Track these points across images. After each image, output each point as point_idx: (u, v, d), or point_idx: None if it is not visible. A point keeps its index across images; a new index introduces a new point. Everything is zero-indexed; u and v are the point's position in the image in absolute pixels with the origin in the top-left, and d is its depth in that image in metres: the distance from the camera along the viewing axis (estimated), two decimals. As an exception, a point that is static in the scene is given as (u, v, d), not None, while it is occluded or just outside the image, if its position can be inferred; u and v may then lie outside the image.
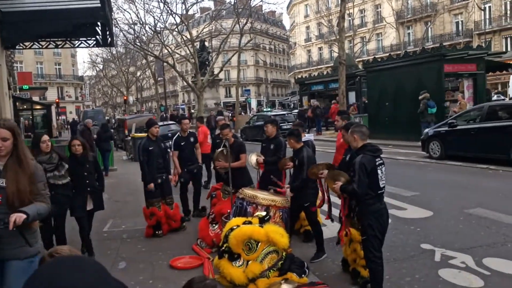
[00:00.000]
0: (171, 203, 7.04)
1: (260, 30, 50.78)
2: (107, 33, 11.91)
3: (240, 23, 32.69)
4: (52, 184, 5.21)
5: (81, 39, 12.51)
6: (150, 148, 6.80)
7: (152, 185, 6.73)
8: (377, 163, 4.22)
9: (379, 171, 4.20)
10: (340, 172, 4.63)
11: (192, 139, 7.93)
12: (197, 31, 40.95)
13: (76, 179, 5.70)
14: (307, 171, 5.40)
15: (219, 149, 6.83)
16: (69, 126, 27.80)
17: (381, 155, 4.36)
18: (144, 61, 52.20)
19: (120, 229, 7.35)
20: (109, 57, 60.76)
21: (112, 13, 21.56)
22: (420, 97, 15.95)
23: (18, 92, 26.12)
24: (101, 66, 69.03)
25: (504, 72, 23.58)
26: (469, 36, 39.60)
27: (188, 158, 7.79)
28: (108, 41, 12.16)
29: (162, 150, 7.05)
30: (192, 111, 47.45)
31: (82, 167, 5.76)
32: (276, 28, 78.38)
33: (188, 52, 35.75)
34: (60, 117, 38.87)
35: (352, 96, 25.19)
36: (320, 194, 5.78)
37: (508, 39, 37.98)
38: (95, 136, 14.36)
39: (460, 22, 41.89)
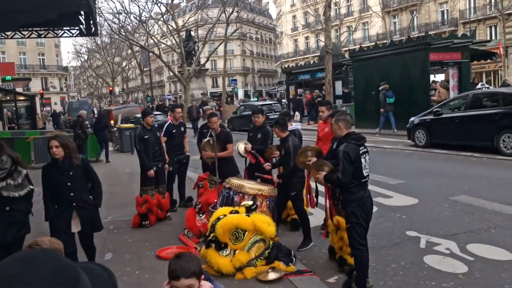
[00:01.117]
0: (164, 192, 7.12)
1: (246, 19, 50.50)
2: (91, 22, 11.70)
3: (226, 12, 32.45)
4: (6, 198, 4.04)
5: (64, 28, 12.30)
6: (145, 137, 6.93)
7: (152, 171, 6.81)
8: (361, 152, 4.23)
9: (363, 160, 4.21)
10: (324, 162, 4.63)
11: (182, 129, 7.93)
12: (183, 20, 40.58)
13: (58, 191, 4.56)
14: (294, 160, 5.41)
15: (206, 139, 6.80)
16: (51, 118, 27.10)
17: (367, 144, 4.37)
18: (129, 51, 51.68)
19: (106, 220, 7.24)
20: (94, 47, 60.00)
21: (96, 2, 21.20)
22: (380, 88, 16.80)
23: (0, 83, 25.68)
24: (86, 57, 68.14)
25: (489, 60, 23.84)
26: (454, 25, 39.85)
27: (178, 146, 7.79)
28: (92, 31, 11.97)
29: (158, 138, 7.18)
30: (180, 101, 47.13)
31: (64, 176, 4.49)
32: (263, 18, 77.98)
33: (174, 42, 35.45)
34: (44, 108, 38.27)
35: (338, 85, 25.24)
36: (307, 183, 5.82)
37: (493, 28, 38.32)
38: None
39: (445, 11, 42.11)
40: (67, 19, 11.33)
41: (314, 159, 4.98)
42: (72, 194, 4.52)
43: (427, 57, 16.43)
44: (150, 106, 39.14)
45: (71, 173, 4.51)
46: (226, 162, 6.59)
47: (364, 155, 4.23)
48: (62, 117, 35.34)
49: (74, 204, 4.54)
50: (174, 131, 7.66)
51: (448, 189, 7.98)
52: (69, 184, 4.51)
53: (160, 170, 7.06)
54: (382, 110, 16.71)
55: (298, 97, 26.96)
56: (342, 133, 4.38)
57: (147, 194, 6.86)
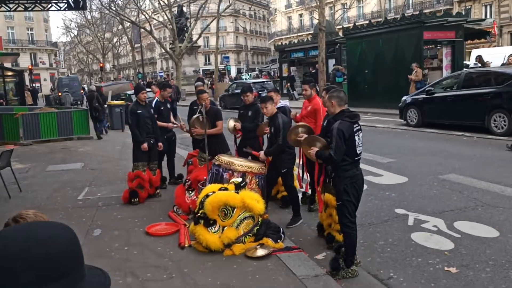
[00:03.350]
0: (155, 169, 7.09)
1: (239, -5, 49.73)
2: (79, -5, 11.44)
3: (219, -13, 31.88)
4: None
5: (52, 2, 12.03)
6: (138, 111, 6.87)
7: (145, 145, 6.77)
8: (355, 129, 4.19)
9: (356, 138, 4.17)
10: (316, 137, 4.60)
11: (169, 105, 7.85)
12: (175, -5, 39.79)
13: None
14: (283, 137, 5.37)
15: (195, 116, 6.73)
16: (29, 93, 25.89)
17: (360, 123, 4.33)
18: (120, 27, 50.87)
19: (95, 197, 7.25)
20: (83, 22, 58.95)
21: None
22: (332, 68, 17.84)
23: (-13, 58, 25.13)
24: (75, 32, 67.00)
25: (483, 40, 23.73)
26: (449, 3, 39.56)
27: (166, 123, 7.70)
28: (80, 5, 11.73)
29: (151, 114, 7.10)
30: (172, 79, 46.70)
31: None
32: (256, -6, 76.83)
33: (165, 18, 34.89)
34: (33, 85, 37.66)
35: (332, 64, 25.08)
36: (297, 160, 5.80)
37: (488, 7, 38.09)
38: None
39: (441, -11, 41.73)
40: (54, -8, 11.08)
41: (305, 135, 4.95)
42: None
43: (421, 35, 16.35)
44: (142, 82, 38.75)
45: None
46: (216, 139, 6.54)
47: (357, 133, 4.20)
48: (52, 93, 34.84)
49: None
50: (162, 108, 7.57)
51: (438, 167, 8.01)
52: None
53: (152, 146, 7.00)
54: None
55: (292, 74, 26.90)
56: (335, 111, 4.32)
57: (139, 170, 6.82)
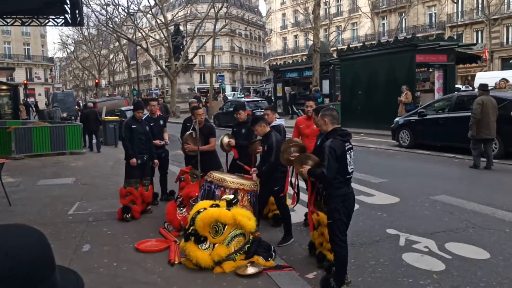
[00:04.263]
0: (148, 185, 7.07)
1: (235, 15, 50.34)
2: (77, 11, 11.54)
3: (215, 7, 32.27)
4: None
5: (49, 17, 12.10)
6: (133, 126, 6.90)
7: (134, 160, 6.76)
8: (346, 148, 4.22)
9: (348, 156, 4.20)
10: (308, 155, 4.62)
11: (161, 122, 7.86)
12: (172, 14, 40.23)
13: None
14: (276, 156, 5.37)
15: (188, 132, 6.74)
16: (23, 108, 25.97)
17: (352, 143, 4.37)
18: (116, 43, 51.13)
19: (86, 212, 7.19)
20: (80, 38, 59.25)
21: (83, -8, 20.75)
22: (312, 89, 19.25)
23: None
24: (72, 48, 67.26)
25: (474, 64, 24.13)
26: (441, 28, 40.27)
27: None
28: (78, 21, 11.80)
29: (146, 131, 7.10)
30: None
31: None
32: (252, 15, 77.85)
33: (162, 36, 35.16)
34: (27, 99, 37.57)
35: (326, 84, 25.32)
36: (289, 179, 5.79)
37: (479, 33, 38.81)
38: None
39: (433, 14, 42.55)
40: (52, 8, 11.16)
41: (297, 154, 4.96)
42: None
43: (413, 58, 16.59)
44: (136, 99, 38.78)
45: None
46: (209, 156, 6.53)
47: (349, 151, 4.23)
48: (46, 108, 34.78)
49: None
50: (151, 124, 7.57)
51: (430, 188, 8.04)
52: None
53: (146, 162, 6.99)
54: None
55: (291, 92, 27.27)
56: (327, 129, 4.36)
57: (132, 187, 6.78)
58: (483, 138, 9.96)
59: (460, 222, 6.14)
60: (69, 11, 11.41)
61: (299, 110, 24.90)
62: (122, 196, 6.79)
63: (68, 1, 10.97)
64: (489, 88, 11.15)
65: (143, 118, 7.34)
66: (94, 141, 15.44)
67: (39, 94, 57.23)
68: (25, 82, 41.80)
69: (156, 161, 7.23)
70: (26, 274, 0.86)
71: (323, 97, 23.53)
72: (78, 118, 20.27)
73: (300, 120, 6.57)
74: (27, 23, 12.31)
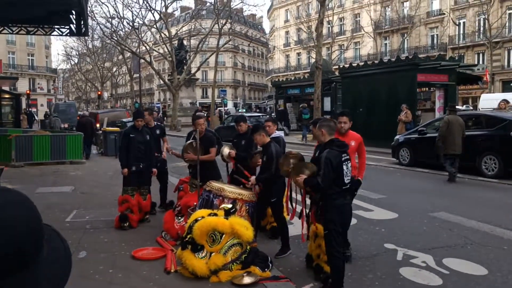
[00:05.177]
0: (145, 194, 7.03)
1: (239, 32, 50.84)
2: (82, 22, 11.67)
3: (219, 23, 32.62)
4: None
5: (54, 27, 12.24)
6: (131, 135, 6.90)
7: (126, 170, 6.74)
8: (343, 159, 4.24)
9: (344, 167, 4.22)
10: (304, 164, 4.63)
11: (158, 131, 7.88)
12: (176, 29, 40.64)
13: None
14: (275, 166, 5.37)
15: (188, 141, 6.75)
16: (25, 117, 26.60)
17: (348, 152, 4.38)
18: (120, 56, 51.56)
19: (83, 220, 7.17)
20: (84, 50, 59.75)
21: (89, 5, 21.02)
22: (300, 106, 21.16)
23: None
24: (76, 60, 67.78)
25: (475, 85, 24.26)
26: (443, 49, 40.59)
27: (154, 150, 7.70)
28: (82, 31, 11.93)
29: (146, 140, 7.07)
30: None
31: None
32: (256, 32, 78.59)
33: (166, 50, 35.47)
34: (29, 109, 37.70)
35: (327, 102, 25.43)
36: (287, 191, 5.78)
37: (480, 55, 39.12)
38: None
39: (435, 36, 42.93)
40: (58, 17, 11.29)
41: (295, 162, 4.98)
42: None
43: (415, 77, 16.69)
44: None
45: None
46: (209, 165, 6.54)
47: (346, 162, 4.25)
48: (47, 118, 34.87)
49: None
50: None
51: (429, 205, 8.03)
52: None
53: (144, 170, 6.96)
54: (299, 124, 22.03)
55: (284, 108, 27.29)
56: (325, 140, 4.39)
57: (128, 194, 6.78)
58: (449, 153, 10.47)
59: (458, 239, 6.12)
60: (74, 21, 11.55)
61: (284, 128, 24.95)
62: (119, 203, 6.79)
63: (73, 11, 11.11)
64: (492, 108, 11.33)
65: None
66: (94, 151, 15.47)
67: (41, 105, 57.43)
68: (28, 92, 42.00)
69: (154, 170, 7.22)
70: (15, 252, 0.75)
71: (324, 114, 23.65)
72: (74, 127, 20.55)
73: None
74: (32, 32, 12.44)
